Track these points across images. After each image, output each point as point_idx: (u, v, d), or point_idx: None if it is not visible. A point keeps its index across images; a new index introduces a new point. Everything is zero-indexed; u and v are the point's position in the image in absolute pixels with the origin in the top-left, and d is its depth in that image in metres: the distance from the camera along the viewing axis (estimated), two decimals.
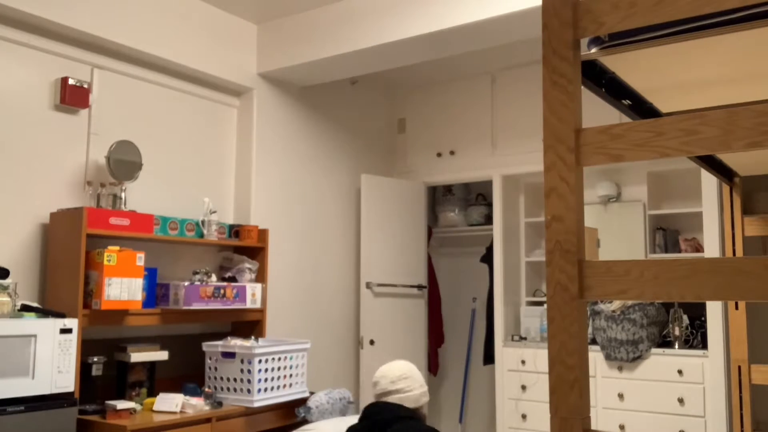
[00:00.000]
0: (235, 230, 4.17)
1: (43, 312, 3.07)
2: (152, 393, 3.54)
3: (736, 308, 2.92)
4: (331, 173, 5.05)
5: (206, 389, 3.56)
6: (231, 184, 4.46)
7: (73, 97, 3.52)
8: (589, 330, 4.59)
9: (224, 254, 4.24)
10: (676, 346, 4.27)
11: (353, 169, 5.25)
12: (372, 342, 4.98)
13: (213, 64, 4.19)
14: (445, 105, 5.52)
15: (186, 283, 3.59)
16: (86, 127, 3.65)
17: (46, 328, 2.95)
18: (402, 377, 2.60)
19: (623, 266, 1.13)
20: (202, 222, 3.93)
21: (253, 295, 3.96)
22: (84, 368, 3.28)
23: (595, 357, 4.46)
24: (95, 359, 3.32)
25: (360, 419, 2.57)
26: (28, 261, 3.35)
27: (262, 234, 4.21)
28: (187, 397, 3.39)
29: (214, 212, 3.96)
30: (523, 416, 4.75)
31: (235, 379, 3.59)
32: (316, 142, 4.93)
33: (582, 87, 1.29)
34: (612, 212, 4.88)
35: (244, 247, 4.19)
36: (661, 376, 4.23)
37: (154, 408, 3.33)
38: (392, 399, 2.56)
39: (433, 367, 5.76)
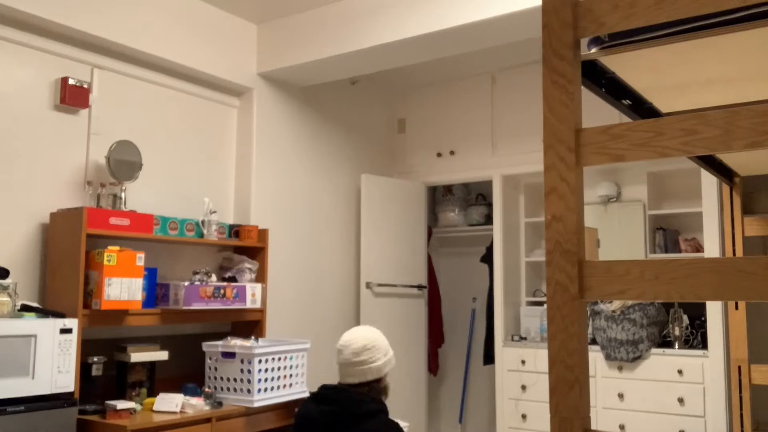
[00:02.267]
0: (235, 230, 4.17)
1: (43, 312, 3.07)
2: (152, 393, 3.53)
3: (736, 308, 2.91)
4: (331, 173, 5.05)
5: (206, 389, 3.55)
6: (231, 184, 4.46)
7: (73, 97, 3.52)
8: (589, 330, 4.59)
9: (224, 254, 4.24)
10: (676, 346, 4.27)
11: (353, 169, 5.25)
12: None
13: (213, 64, 4.19)
14: (445, 105, 5.52)
15: (186, 283, 3.59)
16: (86, 127, 3.65)
17: (46, 328, 2.95)
18: (365, 348, 2.54)
19: (623, 266, 1.13)
20: (202, 222, 3.93)
21: (253, 295, 3.96)
22: (84, 368, 3.28)
23: (595, 357, 4.46)
24: (95, 359, 3.32)
25: (318, 399, 2.47)
26: (28, 261, 3.35)
27: (262, 234, 4.21)
28: (187, 397, 3.39)
29: (214, 212, 3.96)
30: (523, 416, 4.75)
31: (235, 379, 3.59)
32: (316, 142, 4.93)
33: (582, 87, 1.29)
34: (612, 212, 4.88)
35: (244, 247, 4.19)
36: (661, 376, 4.23)
37: (154, 408, 3.33)
38: (356, 371, 2.51)
39: (433, 367, 5.76)
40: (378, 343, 2.57)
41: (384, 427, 2.39)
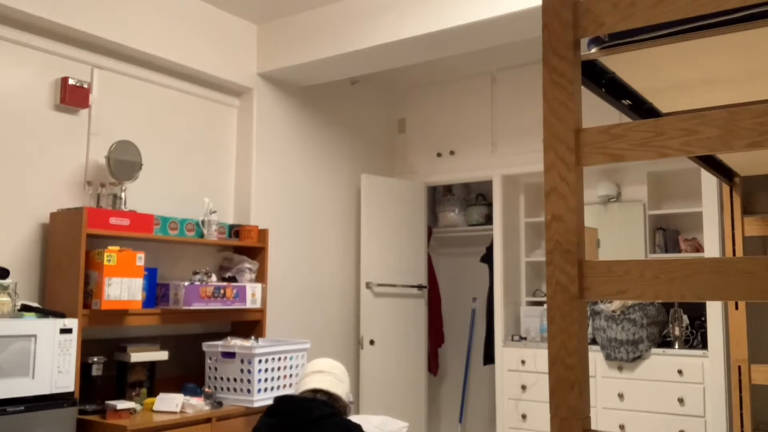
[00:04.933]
0: (235, 230, 4.17)
1: (43, 312, 3.07)
2: (152, 393, 3.54)
3: (736, 308, 2.91)
4: (331, 173, 5.05)
5: (206, 389, 3.56)
6: (231, 184, 4.46)
7: (73, 97, 3.52)
8: (589, 330, 4.59)
9: (224, 254, 4.24)
10: (676, 346, 4.27)
11: (353, 169, 5.25)
12: (372, 342, 4.97)
13: (213, 64, 4.19)
14: (445, 105, 5.52)
15: (186, 283, 3.59)
16: (86, 127, 3.65)
17: (46, 328, 2.95)
18: (332, 366, 2.49)
19: (623, 266, 1.13)
20: (202, 222, 3.93)
21: (253, 295, 3.96)
22: (84, 368, 3.28)
23: (595, 357, 4.46)
24: (95, 359, 3.32)
25: (270, 413, 2.31)
26: (28, 261, 3.35)
27: (262, 234, 4.21)
28: (187, 397, 3.39)
29: (214, 212, 3.96)
30: (523, 416, 4.75)
31: (235, 379, 3.59)
32: (316, 142, 4.93)
33: (582, 87, 1.29)
34: (612, 212, 4.88)
35: (244, 247, 4.19)
36: (661, 376, 4.23)
37: (154, 408, 3.33)
38: (319, 377, 2.40)
39: (433, 367, 5.76)
40: (342, 377, 2.48)
41: (338, 429, 2.24)
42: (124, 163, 3.61)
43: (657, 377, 4.24)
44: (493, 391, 5.15)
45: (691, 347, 4.28)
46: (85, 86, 3.58)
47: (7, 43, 3.35)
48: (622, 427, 4.33)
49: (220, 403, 3.48)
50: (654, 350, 4.28)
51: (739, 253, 2.94)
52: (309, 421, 2.21)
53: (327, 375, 2.42)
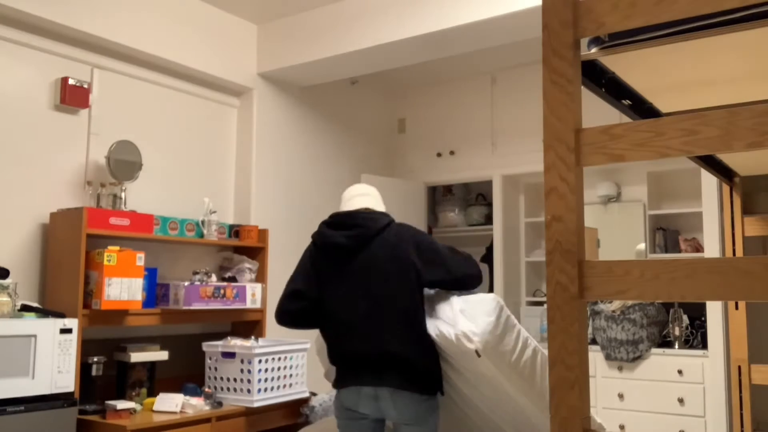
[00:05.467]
0: (235, 230, 4.17)
1: (43, 312, 3.07)
2: (152, 393, 3.53)
3: (736, 308, 2.91)
4: (331, 173, 5.05)
5: (206, 389, 3.55)
6: (231, 184, 4.46)
7: (73, 97, 3.52)
8: (589, 330, 4.59)
9: (224, 254, 4.24)
10: (676, 346, 4.27)
11: (353, 169, 5.25)
12: None
13: (213, 64, 4.19)
14: (445, 105, 5.52)
15: (186, 283, 3.59)
16: (86, 127, 3.65)
17: (46, 328, 2.95)
18: (370, 188, 2.82)
19: (623, 266, 1.13)
20: (202, 222, 3.93)
21: (253, 295, 3.96)
22: (84, 368, 3.28)
23: (595, 357, 4.46)
24: (95, 359, 3.32)
25: (335, 226, 2.66)
26: (28, 261, 3.35)
27: (262, 234, 4.21)
28: (187, 397, 3.39)
29: (214, 212, 3.96)
30: None
31: (235, 379, 3.59)
32: (316, 142, 4.93)
33: (582, 87, 1.29)
34: (612, 212, 4.88)
35: (244, 247, 4.19)
36: (661, 376, 4.23)
37: (154, 408, 3.33)
38: (366, 200, 2.74)
39: None
40: (378, 196, 2.83)
41: (400, 230, 2.63)
42: (124, 163, 3.61)
43: (657, 377, 4.24)
44: None
45: (691, 347, 4.28)
46: (85, 86, 3.58)
47: (7, 43, 3.35)
48: (622, 427, 4.33)
49: (220, 403, 3.48)
50: (654, 350, 4.28)
51: (739, 253, 2.94)
52: (378, 230, 2.62)
53: (368, 197, 2.76)
